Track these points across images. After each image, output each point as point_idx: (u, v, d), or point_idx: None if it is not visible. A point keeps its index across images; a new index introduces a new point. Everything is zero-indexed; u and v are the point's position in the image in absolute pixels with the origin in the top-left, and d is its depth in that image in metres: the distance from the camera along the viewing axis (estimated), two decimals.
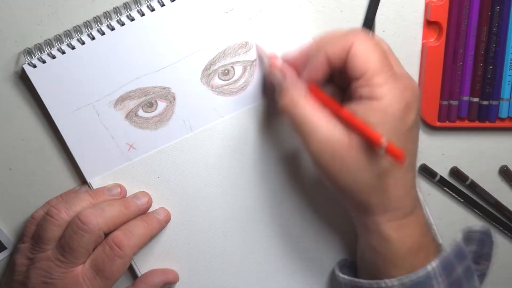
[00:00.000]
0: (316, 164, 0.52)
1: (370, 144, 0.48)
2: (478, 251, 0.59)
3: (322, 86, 0.53)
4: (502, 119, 0.63)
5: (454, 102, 0.62)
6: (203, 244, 0.64)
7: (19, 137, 0.61)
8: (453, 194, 0.67)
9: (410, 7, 0.60)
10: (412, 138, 0.52)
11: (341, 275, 0.60)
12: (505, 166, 0.67)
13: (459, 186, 0.67)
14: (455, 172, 0.66)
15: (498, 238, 0.69)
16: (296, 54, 0.55)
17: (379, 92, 0.48)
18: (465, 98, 0.62)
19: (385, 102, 0.48)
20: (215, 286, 0.66)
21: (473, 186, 0.67)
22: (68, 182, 0.63)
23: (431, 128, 0.64)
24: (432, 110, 0.63)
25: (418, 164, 0.66)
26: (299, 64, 0.54)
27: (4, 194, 0.63)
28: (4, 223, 0.64)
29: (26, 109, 0.60)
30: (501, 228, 0.69)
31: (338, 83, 0.54)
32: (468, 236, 0.59)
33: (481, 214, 0.68)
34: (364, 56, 0.49)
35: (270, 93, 0.60)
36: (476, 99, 0.62)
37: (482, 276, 0.59)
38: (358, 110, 0.49)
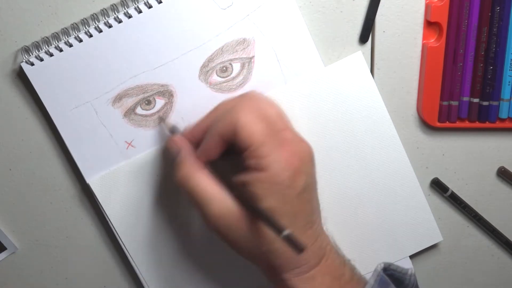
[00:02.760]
0: (215, 234, 0.53)
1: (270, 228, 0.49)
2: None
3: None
4: (502, 120, 0.63)
5: (454, 103, 0.62)
6: (203, 239, 0.64)
7: (19, 137, 0.61)
8: (461, 209, 0.68)
9: (410, 7, 0.60)
10: (306, 199, 0.52)
11: None
12: (503, 167, 0.67)
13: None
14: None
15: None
16: (194, 129, 0.56)
17: (265, 163, 0.50)
18: (465, 98, 0.62)
19: (271, 172, 0.49)
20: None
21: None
22: (67, 182, 0.63)
23: (431, 128, 0.64)
24: (432, 111, 0.63)
25: (429, 178, 0.67)
26: (198, 139, 0.55)
27: (4, 194, 0.63)
28: (4, 223, 0.64)
29: (26, 109, 0.60)
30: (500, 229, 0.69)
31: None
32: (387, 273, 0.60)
33: (484, 229, 0.69)
34: (248, 129, 0.50)
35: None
36: (476, 100, 0.62)
37: None
38: (247, 180, 0.50)
